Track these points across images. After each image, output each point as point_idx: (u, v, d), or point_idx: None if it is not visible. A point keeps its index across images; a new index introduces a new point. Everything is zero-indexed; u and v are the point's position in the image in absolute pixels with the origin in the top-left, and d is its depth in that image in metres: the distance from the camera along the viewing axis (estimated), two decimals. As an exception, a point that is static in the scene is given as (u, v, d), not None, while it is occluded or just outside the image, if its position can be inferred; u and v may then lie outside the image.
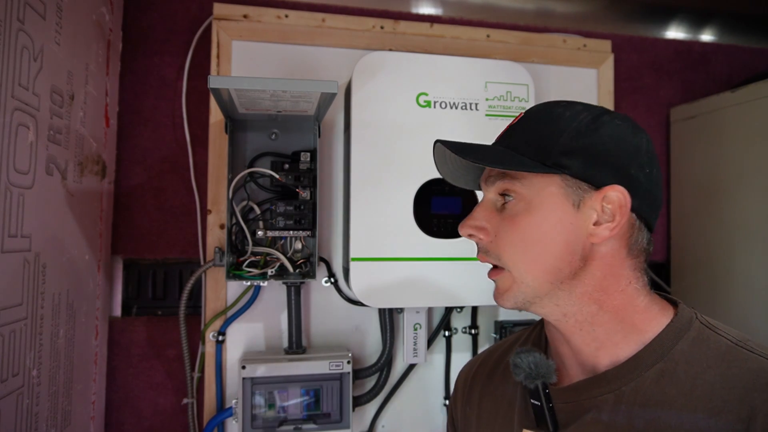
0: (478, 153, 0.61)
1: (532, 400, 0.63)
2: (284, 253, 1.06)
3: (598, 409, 0.58)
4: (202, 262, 1.13)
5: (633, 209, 0.59)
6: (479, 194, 0.80)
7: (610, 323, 0.61)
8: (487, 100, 1.06)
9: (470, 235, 0.63)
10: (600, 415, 0.58)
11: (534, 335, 0.74)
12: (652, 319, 0.61)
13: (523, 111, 0.66)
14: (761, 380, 0.52)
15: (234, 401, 1.04)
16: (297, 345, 1.08)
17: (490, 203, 0.63)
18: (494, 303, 1.08)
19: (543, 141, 0.60)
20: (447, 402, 1.15)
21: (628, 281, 0.61)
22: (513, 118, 0.66)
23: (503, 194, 0.62)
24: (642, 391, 0.57)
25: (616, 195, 0.58)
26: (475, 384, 0.77)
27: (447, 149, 0.62)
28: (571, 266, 0.59)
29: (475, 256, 1.02)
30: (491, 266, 0.64)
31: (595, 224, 0.59)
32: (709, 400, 0.53)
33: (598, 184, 0.58)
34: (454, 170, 0.69)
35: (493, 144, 0.66)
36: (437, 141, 0.65)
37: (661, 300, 0.64)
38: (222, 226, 1.10)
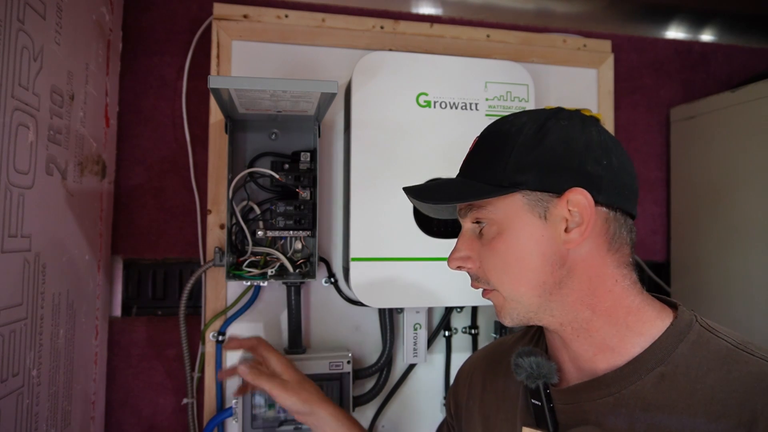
0: (438, 193, 0.65)
1: (532, 400, 0.63)
2: (284, 253, 1.06)
3: (598, 412, 0.58)
4: (202, 262, 1.13)
5: (601, 204, 0.59)
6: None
7: (605, 327, 0.60)
8: (487, 100, 1.06)
9: (459, 267, 0.66)
10: (600, 418, 0.58)
11: (535, 336, 0.74)
12: (648, 320, 0.60)
13: (477, 136, 0.67)
14: (762, 384, 0.51)
15: (234, 401, 1.04)
16: (297, 345, 1.08)
17: (469, 232, 0.65)
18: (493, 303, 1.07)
19: (495, 164, 0.61)
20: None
21: (615, 280, 0.60)
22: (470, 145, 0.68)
23: (477, 222, 0.64)
24: (642, 394, 0.56)
25: (578, 197, 0.57)
26: (476, 378, 0.78)
27: (409, 196, 0.67)
28: (555, 277, 0.59)
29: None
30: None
31: (566, 231, 0.59)
32: (710, 404, 0.52)
33: (558, 191, 0.58)
34: (433, 207, 0.72)
35: (457, 175, 0.68)
36: (403, 189, 0.69)
37: (657, 302, 0.63)
38: (222, 226, 1.10)
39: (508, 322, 0.64)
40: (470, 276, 0.66)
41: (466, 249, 0.65)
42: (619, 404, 0.57)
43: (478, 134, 0.68)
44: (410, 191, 0.68)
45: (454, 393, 0.83)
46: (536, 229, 0.59)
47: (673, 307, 0.63)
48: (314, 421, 0.84)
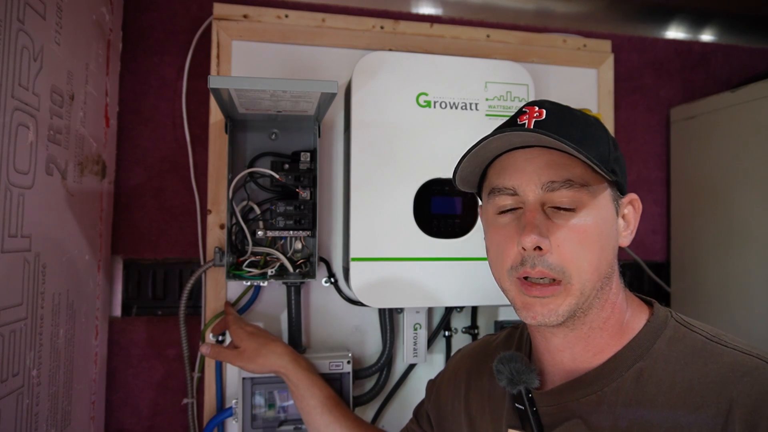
0: (560, 139, 0.55)
1: (516, 404, 0.64)
2: (284, 253, 1.06)
3: (582, 410, 0.59)
4: (202, 262, 1.13)
5: None
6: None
7: (614, 327, 0.61)
8: (487, 100, 1.06)
9: (535, 249, 0.58)
10: (584, 416, 0.59)
11: (519, 338, 0.75)
12: (633, 318, 0.63)
13: (533, 104, 0.62)
14: (736, 373, 0.53)
15: (234, 401, 1.04)
16: (297, 345, 1.08)
17: (542, 211, 0.59)
18: (494, 303, 1.08)
19: (599, 145, 0.60)
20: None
21: (618, 279, 0.64)
22: (521, 112, 0.62)
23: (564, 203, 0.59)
24: (623, 391, 0.58)
25: (640, 204, 0.64)
26: (461, 376, 0.78)
27: (552, 140, 0.55)
28: (611, 271, 0.61)
29: (472, 256, 1.03)
30: (531, 282, 0.59)
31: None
32: (689, 396, 0.54)
33: (624, 192, 0.63)
34: (470, 173, 0.66)
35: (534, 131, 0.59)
36: (524, 130, 0.57)
37: (636, 299, 0.66)
38: (222, 226, 1.10)
39: (552, 319, 0.58)
40: (534, 261, 0.58)
41: (545, 229, 0.58)
42: (601, 402, 0.58)
43: (532, 103, 0.62)
44: (548, 136, 0.56)
45: (437, 389, 0.83)
46: (614, 222, 0.62)
47: (648, 304, 0.65)
48: (289, 385, 0.95)
